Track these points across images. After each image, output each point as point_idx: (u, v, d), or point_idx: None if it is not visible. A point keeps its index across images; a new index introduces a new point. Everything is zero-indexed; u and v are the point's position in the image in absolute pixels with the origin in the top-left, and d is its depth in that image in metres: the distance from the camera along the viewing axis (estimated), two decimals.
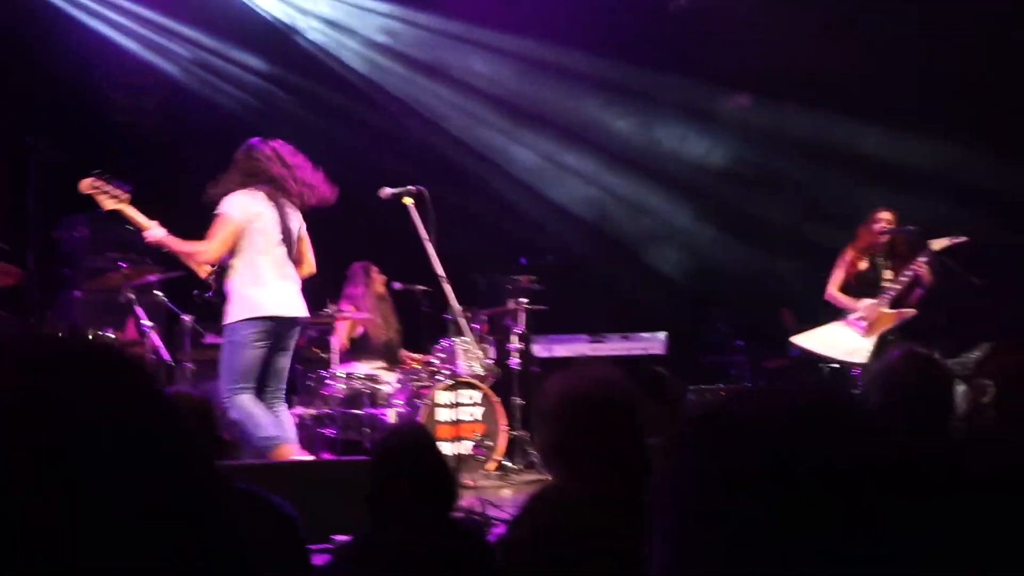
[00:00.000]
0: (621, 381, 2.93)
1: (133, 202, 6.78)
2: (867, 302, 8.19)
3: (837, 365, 8.28)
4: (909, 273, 8.12)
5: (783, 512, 0.89)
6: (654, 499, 0.96)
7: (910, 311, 8.16)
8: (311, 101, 11.32)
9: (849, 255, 8.45)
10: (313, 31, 11.42)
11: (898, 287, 8.15)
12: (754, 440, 0.93)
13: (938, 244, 8.13)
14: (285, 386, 7.20)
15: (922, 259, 8.10)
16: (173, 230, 6.83)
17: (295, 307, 7.05)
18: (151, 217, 6.83)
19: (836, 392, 0.97)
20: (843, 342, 8.22)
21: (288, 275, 7.07)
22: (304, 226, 7.21)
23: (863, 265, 8.37)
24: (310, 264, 7.31)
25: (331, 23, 11.37)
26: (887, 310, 8.16)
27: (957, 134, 9.87)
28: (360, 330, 9.52)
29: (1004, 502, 1.16)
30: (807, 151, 10.87)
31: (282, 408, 7.15)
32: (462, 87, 11.24)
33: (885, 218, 8.32)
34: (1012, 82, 9.73)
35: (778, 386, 1.05)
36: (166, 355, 7.96)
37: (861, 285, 8.31)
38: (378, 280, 9.59)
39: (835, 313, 8.43)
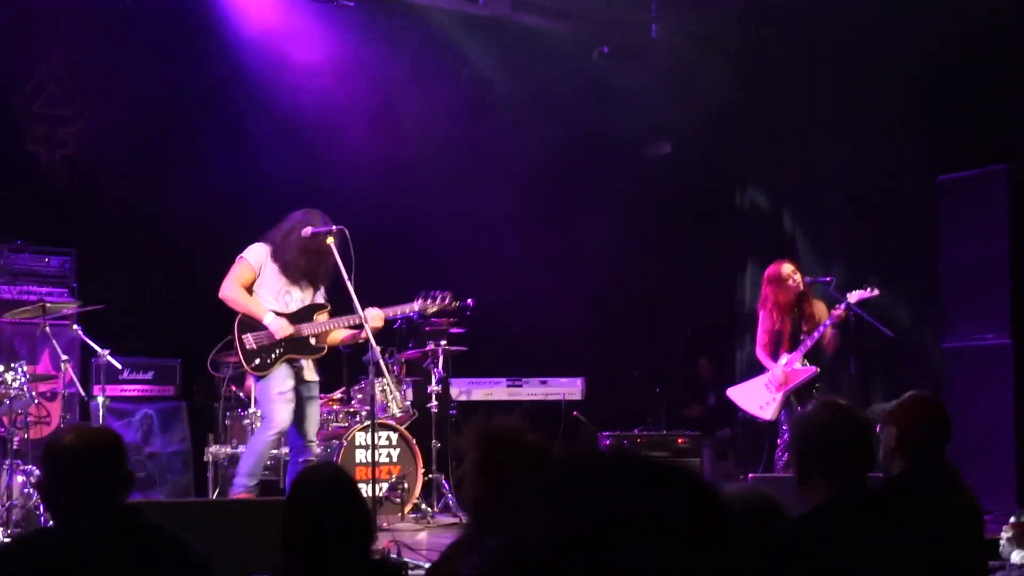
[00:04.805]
0: (531, 430, 2.94)
1: None
2: (783, 359, 8.28)
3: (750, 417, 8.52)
4: (821, 329, 8.16)
5: None
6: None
7: (812, 369, 8.26)
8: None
9: (768, 315, 8.49)
10: None
11: (809, 343, 8.22)
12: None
13: (854, 296, 8.22)
14: None
15: (839, 310, 8.17)
16: None
17: None
18: None
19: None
20: (757, 397, 8.43)
21: None
22: None
23: (781, 323, 8.38)
24: None
25: None
26: (796, 366, 8.27)
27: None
28: None
29: None
30: None
31: None
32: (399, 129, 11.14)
33: (790, 271, 8.35)
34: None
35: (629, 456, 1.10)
36: (80, 390, 7.82)
37: (781, 342, 8.37)
38: None
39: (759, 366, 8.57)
